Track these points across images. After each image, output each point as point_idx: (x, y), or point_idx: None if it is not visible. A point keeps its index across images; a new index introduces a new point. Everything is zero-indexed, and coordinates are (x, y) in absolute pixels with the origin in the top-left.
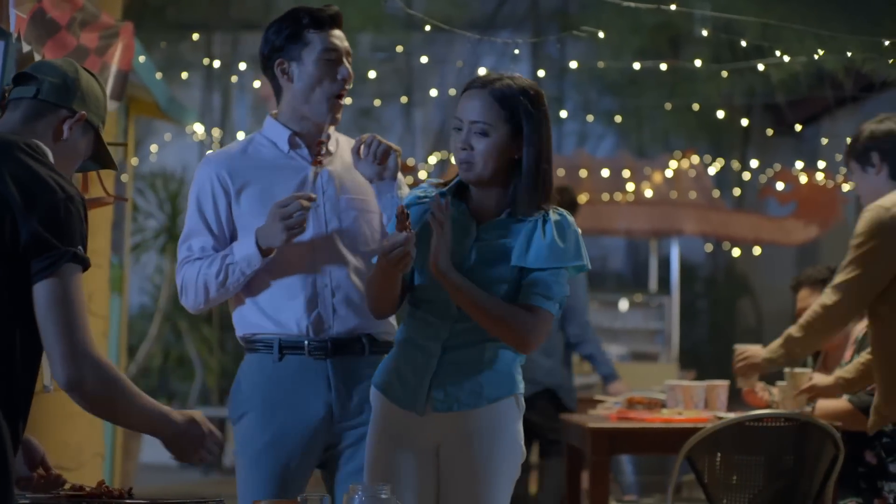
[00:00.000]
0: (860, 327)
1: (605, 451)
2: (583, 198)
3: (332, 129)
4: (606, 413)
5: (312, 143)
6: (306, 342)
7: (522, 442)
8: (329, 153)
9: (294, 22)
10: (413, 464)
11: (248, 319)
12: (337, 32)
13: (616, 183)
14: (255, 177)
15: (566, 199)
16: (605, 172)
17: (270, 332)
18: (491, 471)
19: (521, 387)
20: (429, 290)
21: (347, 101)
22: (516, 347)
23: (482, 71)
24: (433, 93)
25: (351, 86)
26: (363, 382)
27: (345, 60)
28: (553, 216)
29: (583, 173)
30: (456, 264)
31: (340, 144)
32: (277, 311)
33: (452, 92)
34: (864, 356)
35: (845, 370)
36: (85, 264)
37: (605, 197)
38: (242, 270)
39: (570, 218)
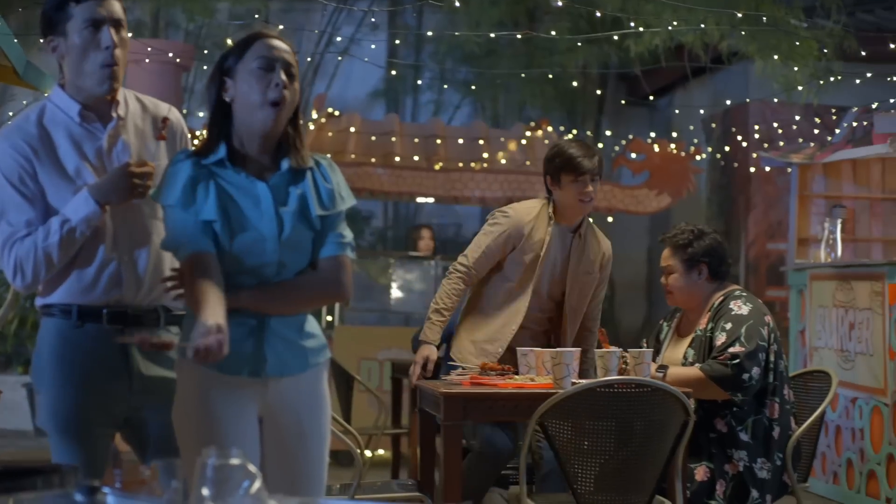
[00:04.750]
0: (718, 295)
1: (458, 416)
2: (438, 166)
3: (119, 91)
4: (459, 379)
5: (104, 113)
6: (105, 311)
7: None
8: (120, 118)
9: None
10: (238, 430)
11: (47, 285)
12: (100, 3)
13: (471, 151)
14: (52, 147)
15: None
16: (461, 141)
17: (69, 300)
18: (319, 435)
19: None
20: (245, 257)
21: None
22: (340, 301)
23: (338, 39)
24: None
25: (120, 54)
26: (160, 353)
27: (109, 29)
28: (322, 161)
29: (438, 142)
30: (268, 233)
31: (130, 108)
32: (77, 279)
33: (309, 59)
34: (695, 371)
35: (686, 371)
36: None
37: (460, 165)
38: (83, 231)
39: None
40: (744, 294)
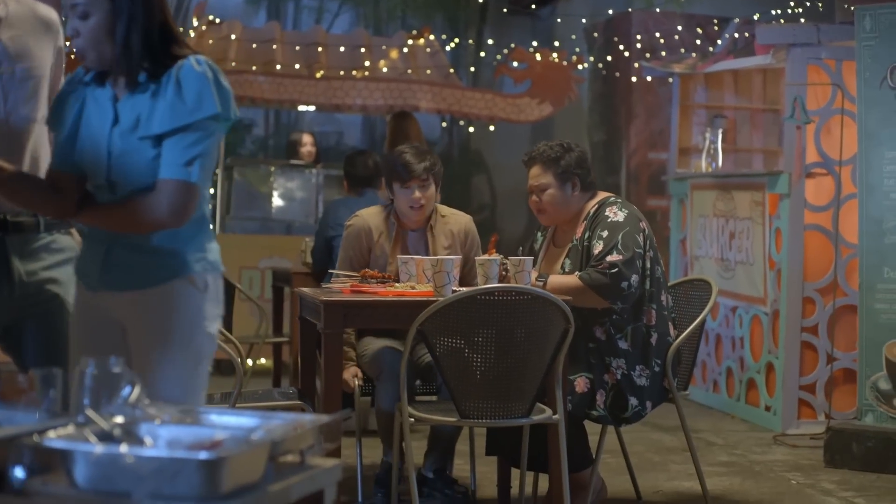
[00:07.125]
0: (592, 203)
1: (338, 324)
2: (319, 74)
3: None
4: (340, 286)
5: None
6: None
7: (207, 322)
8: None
9: None
10: (104, 342)
11: None
12: None
13: (352, 59)
14: None
15: None
16: (342, 49)
17: None
18: (168, 350)
19: (199, 267)
20: (86, 175)
21: None
22: (166, 228)
23: None
24: None
25: None
26: (41, 257)
27: None
28: (175, 70)
29: (319, 50)
30: (101, 152)
31: (10, 9)
32: None
33: None
34: (575, 280)
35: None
36: None
37: (342, 73)
38: None
39: (198, 66)
40: (618, 201)
